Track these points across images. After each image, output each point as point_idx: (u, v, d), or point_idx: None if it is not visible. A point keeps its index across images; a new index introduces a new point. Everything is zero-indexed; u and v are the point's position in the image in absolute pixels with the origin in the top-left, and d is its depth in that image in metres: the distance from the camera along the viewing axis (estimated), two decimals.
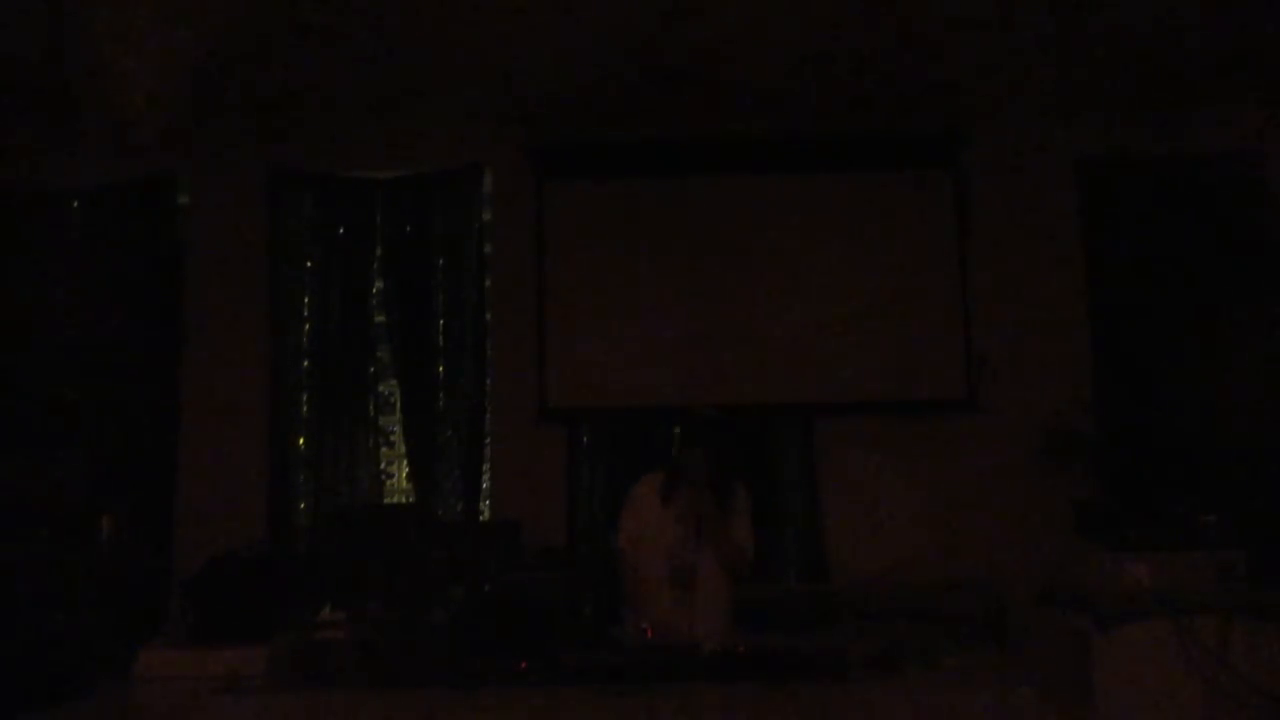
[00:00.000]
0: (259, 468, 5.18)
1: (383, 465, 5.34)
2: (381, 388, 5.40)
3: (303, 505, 5.20)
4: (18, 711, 2.62)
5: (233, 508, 5.06)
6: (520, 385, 5.18)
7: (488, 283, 5.34)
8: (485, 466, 5.25)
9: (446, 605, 3.08)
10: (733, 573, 3.43)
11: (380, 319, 5.38)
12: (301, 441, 5.24)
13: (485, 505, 5.25)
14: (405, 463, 5.35)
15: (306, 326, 5.31)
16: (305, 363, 5.29)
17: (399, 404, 5.34)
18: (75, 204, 5.35)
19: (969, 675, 2.71)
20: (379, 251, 5.37)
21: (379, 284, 5.38)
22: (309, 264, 5.34)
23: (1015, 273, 5.19)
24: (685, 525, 3.38)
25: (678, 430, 3.65)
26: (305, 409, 5.27)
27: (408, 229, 5.36)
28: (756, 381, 5.12)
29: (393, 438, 5.43)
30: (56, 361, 5.20)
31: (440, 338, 5.30)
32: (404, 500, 5.37)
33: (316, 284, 5.32)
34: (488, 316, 5.33)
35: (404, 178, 5.37)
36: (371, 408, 5.32)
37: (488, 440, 5.26)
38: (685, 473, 3.41)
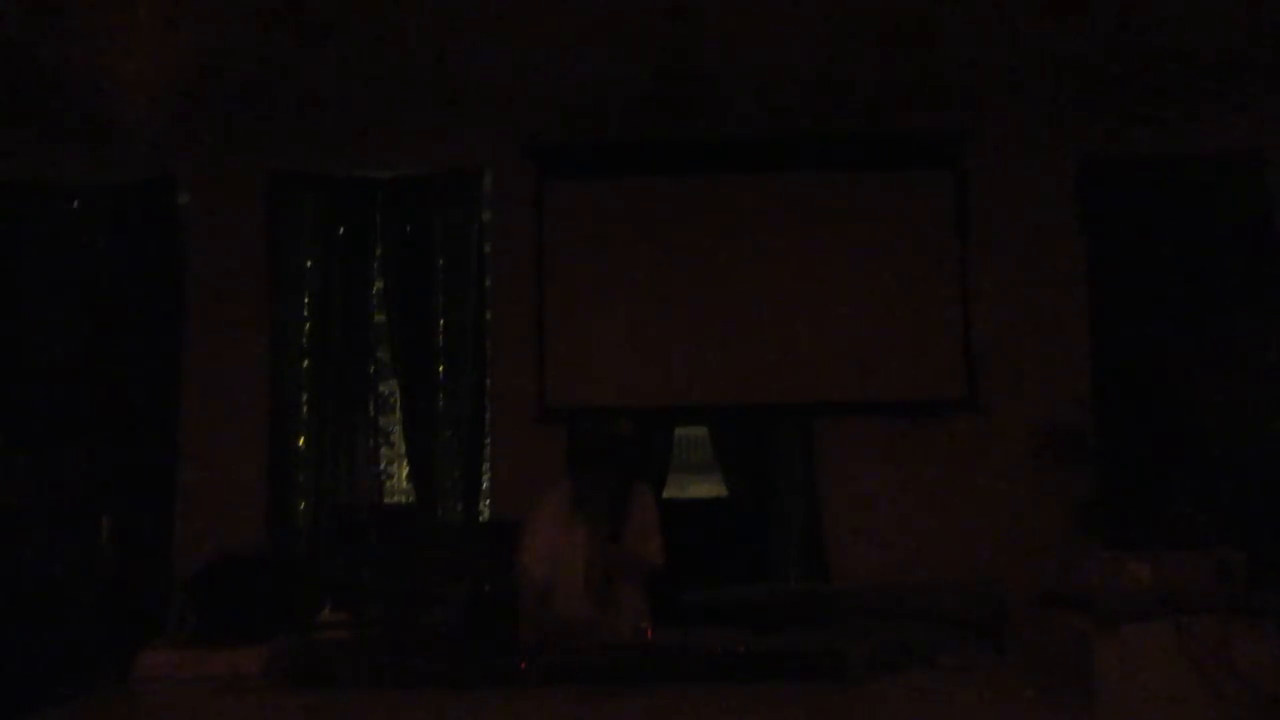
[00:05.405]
0: (259, 468, 5.17)
1: (383, 465, 5.34)
2: (381, 388, 5.39)
3: (303, 505, 5.19)
4: (18, 711, 2.61)
5: (233, 508, 5.06)
6: (520, 385, 5.17)
7: (488, 283, 5.34)
8: (485, 466, 5.25)
9: (446, 605, 3.08)
10: (644, 581, 3.51)
11: (380, 319, 5.38)
12: (301, 441, 5.24)
13: (485, 505, 5.24)
14: (405, 463, 5.35)
15: (306, 326, 5.30)
16: (305, 363, 5.29)
17: (399, 404, 5.34)
18: (75, 204, 5.34)
19: (969, 675, 2.71)
20: (379, 251, 5.37)
21: (379, 284, 5.38)
22: (309, 264, 5.33)
23: (1015, 273, 5.19)
24: (592, 550, 3.43)
25: (573, 449, 3.69)
26: (305, 409, 5.26)
27: (408, 229, 5.35)
28: (756, 381, 5.11)
29: (393, 438, 5.42)
30: (57, 361, 5.20)
31: (440, 338, 5.29)
32: (404, 500, 5.37)
33: (316, 284, 5.32)
34: (488, 316, 5.32)
35: (404, 178, 5.37)
36: (371, 408, 5.32)
37: (488, 440, 5.26)
38: (583, 494, 3.52)
